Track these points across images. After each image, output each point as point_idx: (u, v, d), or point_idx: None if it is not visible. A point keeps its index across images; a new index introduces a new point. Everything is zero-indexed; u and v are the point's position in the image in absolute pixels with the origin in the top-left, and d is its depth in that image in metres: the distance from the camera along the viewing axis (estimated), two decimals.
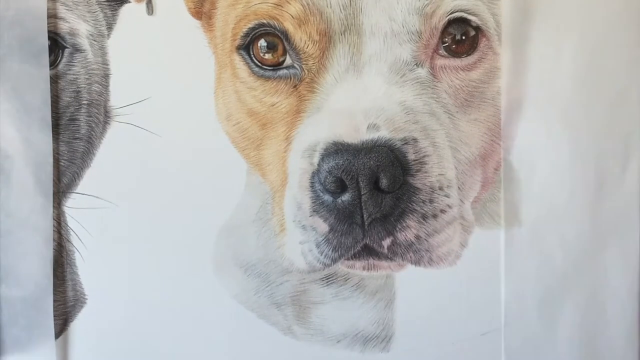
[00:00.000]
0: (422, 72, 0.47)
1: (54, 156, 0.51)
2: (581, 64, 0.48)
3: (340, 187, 0.46)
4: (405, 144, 0.46)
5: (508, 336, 0.50)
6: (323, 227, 0.47)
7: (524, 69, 0.48)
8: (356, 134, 0.46)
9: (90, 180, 0.52)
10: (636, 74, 0.48)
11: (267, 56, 0.49)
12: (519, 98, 0.49)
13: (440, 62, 0.48)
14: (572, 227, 0.49)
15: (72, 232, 0.52)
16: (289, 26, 0.47)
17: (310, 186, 0.47)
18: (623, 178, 0.49)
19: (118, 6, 0.51)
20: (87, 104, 0.52)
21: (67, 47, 0.51)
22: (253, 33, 0.48)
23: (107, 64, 0.51)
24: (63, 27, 0.51)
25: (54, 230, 0.52)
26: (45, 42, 0.50)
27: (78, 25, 0.51)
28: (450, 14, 0.47)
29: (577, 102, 0.48)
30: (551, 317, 0.50)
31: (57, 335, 0.52)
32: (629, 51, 0.48)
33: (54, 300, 0.52)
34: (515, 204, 0.50)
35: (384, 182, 0.45)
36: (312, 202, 0.47)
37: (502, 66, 0.48)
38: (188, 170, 0.51)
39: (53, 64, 0.51)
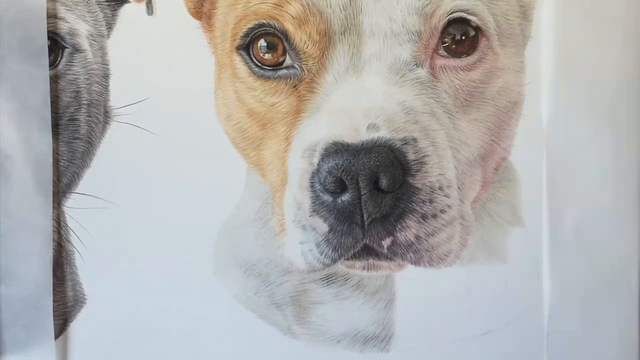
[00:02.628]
0: (422, 72, 0.47)
1: (53, 156, 0.51)
2: (628, 64, 0.48)
3: (340, 187, 0.46)
4: (405, 144, 0.46)
5: (551, 337, 0.50)
6: (323, 227, 0.47)
7: (573, 70, 0.48)
8: (356, 134, 0.46)
9: (90, 181, 0.52)
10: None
11: (267, 56, 0.49)
12: (566, 98, 0.49)
13: (440, 62, 0.48)
14: (615, 229, 0.49)
15: (71, 232, 0.52)
16: (289, 26, 0.47)
17: (310, 186, 0.47)
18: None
19: (118, 6, 0.51)
20: (87, 104, 0.52)
21: (67, 47, 0.51)
22: (253, 33, 0.48)
23: (107, 64, 0.52)
24: (63, 27, 0.51)
25: (53, 231, 0.52)
26: (44, 42, 0.50)
27: (78, 25, 0.51)
28: (450, 14, 0.47)
29: (623, 101, 0.48)
30: (594, 317, 0.50)
31: (56, 335, 0.53)
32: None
33: (54, 301, 0.52)
34: (558, 204, 0.49)
35: (383, 182, 0.45)
36: (312, 202, 0.47)
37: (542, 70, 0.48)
38: (187, 170, 0.51)
39: (53, 64, 0.51)
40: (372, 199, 0.46)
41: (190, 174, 0.51)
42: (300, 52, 0.48)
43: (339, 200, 0.46)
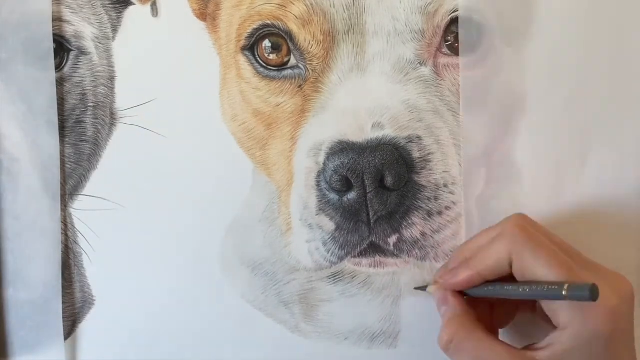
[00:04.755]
0: (426, 70, 0.48)
1: (60, 159, 0.51)
2: (540, 61, 0.48)
3: (346, 185, 0.46)
4: (410, 142, 0.47)
5: None
6: (329, 225, 0.48)
7: (482, 67, 0.49)
8: (361, 132, 0.47)
9: (96, 182, 0.52)
10: (590, 71, 0.48)
11: (272, 57, 0.49)
12: (480, 94, 0.49)
13: (443, 60, 0.48)
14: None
15: (79, 234, 0.52)
16: (293, 27, 0.48)
17: (316, 185, 0.47)
18: (582, 172, 0.49)
19: (123, 8, 0.51)
20: (93, 106, 0.52)
21: (73, 50, 0.51)
22: (257, 34, 0.49)
23: (113, 66, 0.52)
24: (68, 30, 0.51)
25: (61, 233, 0.52)
26: (50, 45, 0.50)
27: (83, 28, 0.51)
28: (453, 12, 0.47)
29: (536, 98, 0.49)
30: None
31: (66, 337, 0.53)
32: (583, 49, 0.48)
33: (63, 302, 0.52)
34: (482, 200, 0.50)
35: (389, 180, 0.46)
36: (318, 201, 0.48)
37: (460, 65, 0.48)
38: (194, 171, 0.51)
39: (59, 67, 0.51)
40: (378, 197, 0.46)
41: (197, 175, 0.51)
42: (305, 52, 0.48)
43: (345, 199, 0.47)
